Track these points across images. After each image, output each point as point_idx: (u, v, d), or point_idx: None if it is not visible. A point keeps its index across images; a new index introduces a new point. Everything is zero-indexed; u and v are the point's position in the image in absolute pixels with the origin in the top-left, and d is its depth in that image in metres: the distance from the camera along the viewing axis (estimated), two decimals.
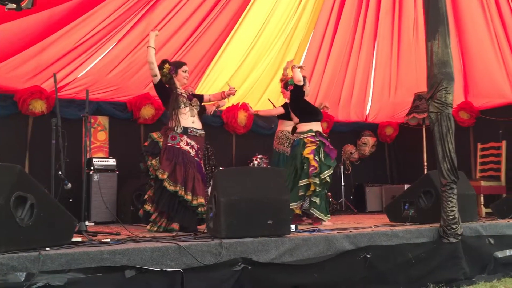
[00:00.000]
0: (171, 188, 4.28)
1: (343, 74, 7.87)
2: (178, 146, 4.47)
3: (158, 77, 4.56)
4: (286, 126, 5.90)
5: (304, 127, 5.20)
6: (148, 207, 4.46)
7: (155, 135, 4.54)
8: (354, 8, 7.00)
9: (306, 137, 5.10)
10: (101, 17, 5.38)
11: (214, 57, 6.76)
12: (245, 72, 7.16)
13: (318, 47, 7.37)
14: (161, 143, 4.47)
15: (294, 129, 5.35)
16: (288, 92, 5.51)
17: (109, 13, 5.38)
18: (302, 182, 4.98)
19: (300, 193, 4.98)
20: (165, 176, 4.30)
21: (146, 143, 4.59)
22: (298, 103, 5.30)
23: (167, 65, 4.72)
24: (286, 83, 5.57)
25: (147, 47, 4.55)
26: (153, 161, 4.41)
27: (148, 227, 4.40)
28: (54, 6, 4.82)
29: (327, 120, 8.21)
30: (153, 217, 4.38)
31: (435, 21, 3.97)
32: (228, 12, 6.24)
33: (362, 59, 7.74)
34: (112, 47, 5.93)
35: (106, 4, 5.25)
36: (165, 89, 4.66)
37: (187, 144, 4.52)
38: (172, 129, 4.53)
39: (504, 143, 6.71)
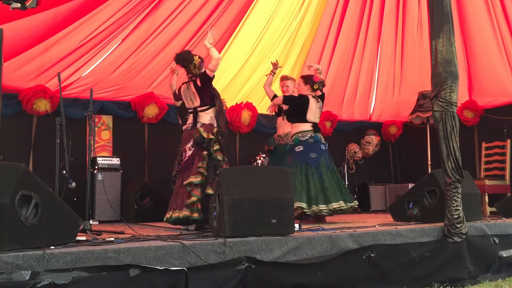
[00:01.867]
0: None
1: (347, 73, 7.85)
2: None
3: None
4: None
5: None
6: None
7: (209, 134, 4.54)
8: (358, 7, 6.98)
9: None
10: (105, 17, 5.39)
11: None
12: (249, 72, 7.16)
13: (322, 46, 7.36)
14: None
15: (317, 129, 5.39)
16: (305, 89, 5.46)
17: (113, 13, 5.39)
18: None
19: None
20: None
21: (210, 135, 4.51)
22: None
23: (197, 57, 4.70)
24: (321, 82, 5.48)
25: (209, 48, 4.55)
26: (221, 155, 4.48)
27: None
28: (59, 6, 4.82)
29: (331, 119, 8.21)
30: None
31: (439, 19, 3.95)
32: (232, 11, 6.24)
33: (366, 58, 7.72)
34: (116, 46, 5.94)
35: (110, 4, 5.25)
36: (211, 84, 4.67)
37: None
38: (214, 127, 4.59)
39: (508, 142, 6.68)
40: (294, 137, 5.32)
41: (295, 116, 5.42)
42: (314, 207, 4.94)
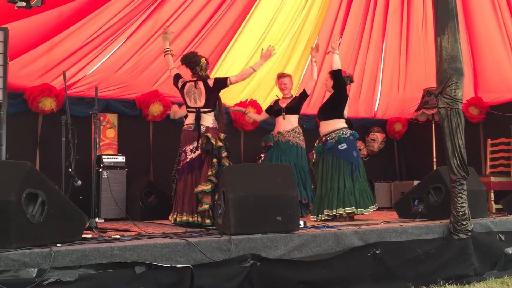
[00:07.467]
0: None
1: (351, 70, 7.82)
2: None
3: None
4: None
5: None
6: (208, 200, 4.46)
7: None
8: (363, 3, 6.96)
9: None
10: (110, 15, 5.40)
11: (222, 54, 6.76)
12: None
13: (326, 43, 7.32)
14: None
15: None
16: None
17: (118, 11, 5.40)
18: None
19: None
20: None
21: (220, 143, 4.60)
22: None
23: (203, 59, 4.72)
24: (349, 76, 5.41)
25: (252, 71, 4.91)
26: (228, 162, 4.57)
27: None
28: (64, 4, 4.84)
29: None
30: None
31: (444, 16, 3.94)
32: (236, 9, 6.23)
33: (371, 55, 7.69)
34: (121, 45, 5.95)
35: (114, 2, 5.26)
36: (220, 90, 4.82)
37: None
38: (219, 131, 4.68)
39: None
40: (337, 133, 5.03)
41: (333, 112, 5.20)
42: (359, 211, 4.83)
